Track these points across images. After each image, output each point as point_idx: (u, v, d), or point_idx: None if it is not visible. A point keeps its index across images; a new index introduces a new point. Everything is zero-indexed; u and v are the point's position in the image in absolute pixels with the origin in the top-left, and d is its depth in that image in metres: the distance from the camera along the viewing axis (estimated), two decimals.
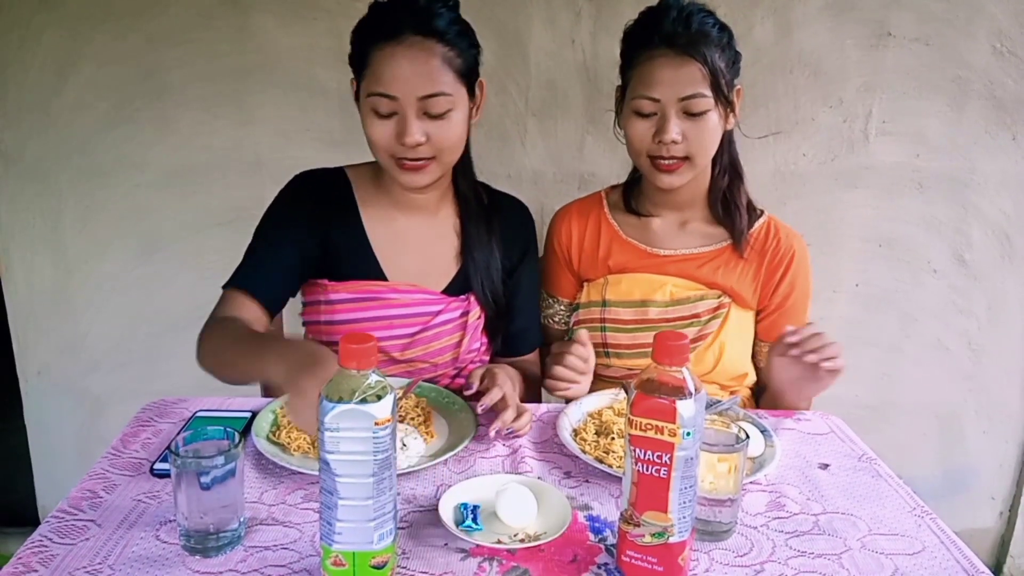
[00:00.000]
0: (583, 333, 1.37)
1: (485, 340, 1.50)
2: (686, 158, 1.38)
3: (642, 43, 1.38)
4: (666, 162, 1.38)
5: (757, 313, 1.54)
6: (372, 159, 1.37)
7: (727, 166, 1.49)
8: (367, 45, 1.27)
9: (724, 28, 1.39)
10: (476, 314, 1.45)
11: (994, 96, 2.04)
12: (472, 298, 1.45)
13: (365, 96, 1.28)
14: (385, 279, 1.42)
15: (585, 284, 1.57)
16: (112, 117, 2.00)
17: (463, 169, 1.45)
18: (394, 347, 1.40)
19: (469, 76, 1.33)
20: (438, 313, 1.42)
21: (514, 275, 1.51)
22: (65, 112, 1.99)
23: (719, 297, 1.49)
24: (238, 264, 1.40)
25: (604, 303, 1.52)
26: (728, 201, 1.50)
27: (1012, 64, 2.01)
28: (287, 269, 1.39)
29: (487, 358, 1.52)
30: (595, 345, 1.52)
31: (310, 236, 1.40)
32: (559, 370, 1.32)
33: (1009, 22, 1.98)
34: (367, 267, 1.41)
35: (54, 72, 1.96)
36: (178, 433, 1.15)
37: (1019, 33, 1.99)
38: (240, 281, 1.37)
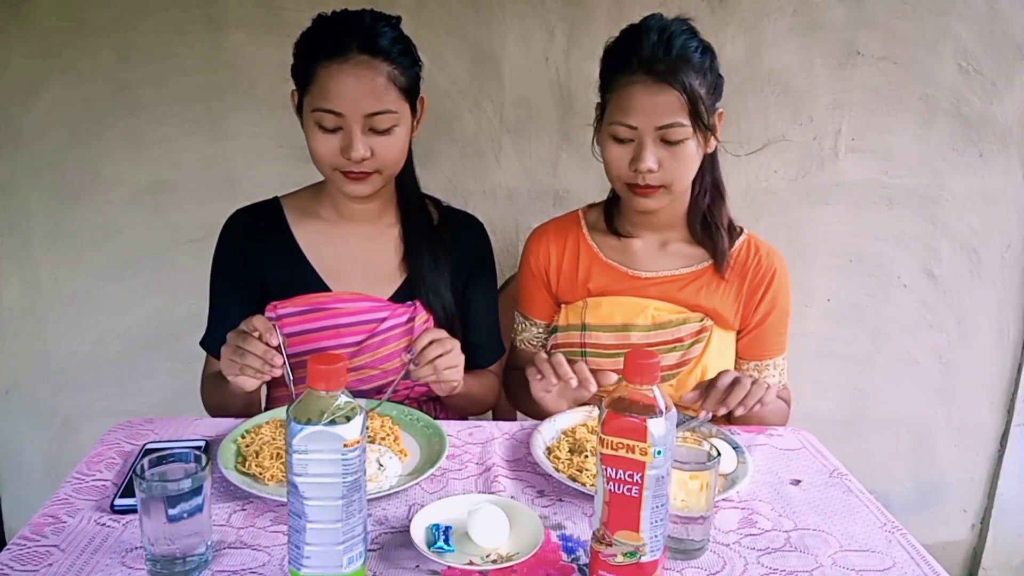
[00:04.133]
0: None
1: None
2: (662, 186, 1.36)
3: (621, 65, 1.35)
4: (642, 188, 1.37)
5: (738, 332, 1.53)
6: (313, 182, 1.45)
7: (709, 186, 1.47)
8: (312, 60, 1.30)
9: (707, 51, 1.36)
10: (423, 319, 1.46)
11: (961, 114, 2.08)
12: (419, 304, 1.46)
13: (310, 111, 1.31)
14: (329, 291, 1.44)
15: (563, 306, 1.55)
16: (83, 134, 1.98)
17: (407, 177, 1.48)
18: (347, 366, 1.41)
19: (411, 92, 1.36)
20: (384, 320, 1.44)
21: (465, 291, 1.52)
22: (35, 128, 1.97)
23: (701, 320, 1.47)
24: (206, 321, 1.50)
25: (584, 327, 1.49)
26: (708, 222, 1.48)
27: (977, 82, 2.05)
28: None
29: None
30: None
31: (248, 278, 1.46)
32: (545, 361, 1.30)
33: (974, 41, 2.02)
34: (309, 282, 1.44)
35: (24, 88, 1.94)
36: (130, 470, 1.13)
37: (983, 52, 2.03)
38: (206, 345, 1.49)
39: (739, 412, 1.27)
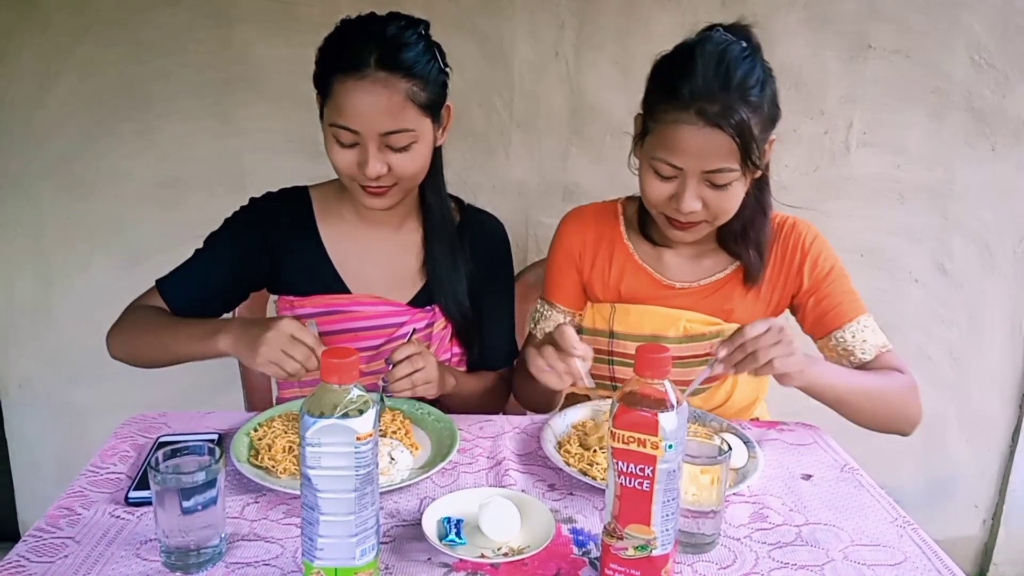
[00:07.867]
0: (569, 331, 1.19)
1: (458, 351, 1.49)
2: (704, 221, 1.29)
3: (671, 94, 1.21)
4: (681, 224, 1.30)
5: (794, 313, 1.44)
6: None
7: (752, 203, 1.36)
8: (330, 73, 1.26)
9: (767, 82, 1.22)
10: (441, 325, 1.45)
11: (973, 107, 2.06)
12: (437, 309, 1.45)
13: (328, 124, 1.28)
14: (348, 292, 1.43)
15: (590, 305, 1.49)
16: (94, 129, 1.99)
17: (432, 184, 1.44)
18: (360, 359, 1.39)
19: (434, 106, 1.30)
20: (402, 325, 1.43)
21: (480, 292, 1.49)
22: (46, 124, 1.98)
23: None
24: (176, 266, 1.42)
25: (612, 335, 1.44)
26: (742, 237, 1.39)
27: (990, 75, 2.04)
28: (212, 290, 1.42)
29: (462, 369, 1.51)
30: (602, 378, 1.46)
31: (255, 264, 1.42)
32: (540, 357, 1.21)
33: (986, 34, 2.01)
34: (329, 281, 1.43)
35: (36, 84, 1.95)
36: (144, 463, 1.13)
37: (996, 45, 2.02)
38: (164, 286, 1.41)
39: (731, 373, 1.19)
